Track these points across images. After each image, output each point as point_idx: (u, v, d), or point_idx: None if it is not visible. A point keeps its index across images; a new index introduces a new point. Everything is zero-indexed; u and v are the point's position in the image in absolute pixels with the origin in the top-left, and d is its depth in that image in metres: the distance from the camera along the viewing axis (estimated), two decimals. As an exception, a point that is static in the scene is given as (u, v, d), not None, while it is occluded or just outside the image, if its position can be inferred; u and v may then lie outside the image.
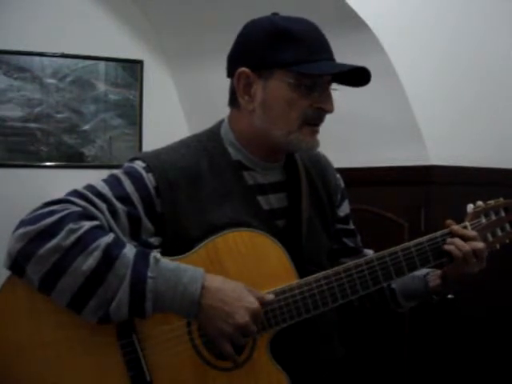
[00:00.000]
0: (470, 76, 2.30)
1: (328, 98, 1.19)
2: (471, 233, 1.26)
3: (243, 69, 1.18)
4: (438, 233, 1.26)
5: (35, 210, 1.10)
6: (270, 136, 1.20)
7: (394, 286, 1.37)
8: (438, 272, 1.32)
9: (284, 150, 1.25)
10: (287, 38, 1.15)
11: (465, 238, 1.25)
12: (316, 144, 1.23)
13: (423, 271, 1.33)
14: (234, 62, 1.21)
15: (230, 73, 1.23)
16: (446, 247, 1.24)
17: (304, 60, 1.15)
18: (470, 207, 1.32)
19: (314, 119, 1.19)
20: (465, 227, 1.28)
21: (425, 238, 1.25)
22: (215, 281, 1.10)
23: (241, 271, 1.15)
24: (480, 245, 1.24)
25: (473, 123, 2.32)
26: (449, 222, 1.28)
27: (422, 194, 2.18)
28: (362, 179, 2.30)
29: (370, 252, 1.43)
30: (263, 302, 1.12)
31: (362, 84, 1.21)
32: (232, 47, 1.24)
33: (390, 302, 1.39)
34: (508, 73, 2.41)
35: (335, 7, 2.15)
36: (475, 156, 2.28)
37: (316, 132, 1.21)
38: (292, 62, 1.15)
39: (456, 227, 1.26)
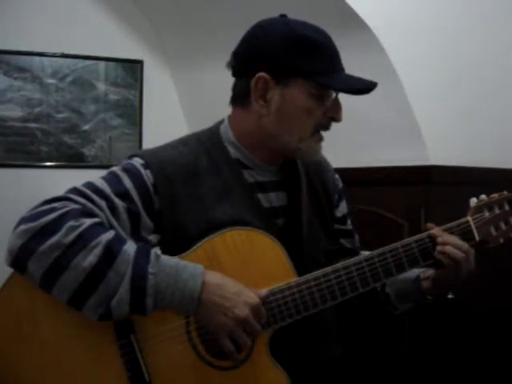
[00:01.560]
0: (470, 76, 2.30)
1: (339, 107, 1.22)
2: (448, 236, 1.23)
3: (263, 74, 1.17)
4: (424, 234, 1.24)
5: (35, 208, 1.10)
6: (279, 141, 1.21)
7: (387, 290, 1.36)
8: (430, 273, 1.30)
9: (289, 155, 1.26)
10: (309, 47, 1.16)
11: (446, 241, 1.21)
12: (320, 150, 1.26)
13: (416, 272, 1.32)
14: (251, 65, 1.19)
15: (242, 73, 1.21)
16: (438, 256, 1.22)
17: (325, 71, 1.17)
18: (473, 201, 1.29)
19: (324, 127, 1.22)
20: (465, 223, 1.26)
21: (412, 239, 1.23)
22: (215, 277, 1.10)
23: (239, 270, 1.15)
24: (461, 244, 1.21)
25: (473, 123, 2.32)
26: (429, 225, 1.25)
27: (422, 194, 2.18)
28: (362, 179, 2.30)
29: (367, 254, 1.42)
30: (261, 299, 1.12)
31: (362, 93, 1.21)
32: (245, 47, 1.21)
33: (386, 305, 1.38)
34: (508, 73, 2.41)
35: (335, 7, 2.15)
36: (475, 156, 2.28)
37: (322, 139, 1.24)
38: (314, 73, 1.16)
39: (435, 231, 1.23)
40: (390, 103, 2.21)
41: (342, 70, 1.21)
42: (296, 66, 1.16)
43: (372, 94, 2.26)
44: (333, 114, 1.21)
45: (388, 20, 2.18)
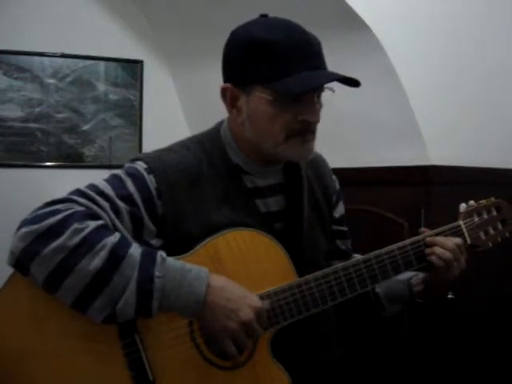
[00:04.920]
0: (470, 76, 2.31)
1: (312, 109, 1.16)
2: (438, 238, 1.25)
3: (226, 85, 1.18)
4: (420, 236, 1.26)
5: (38, 209, 1.10)
6: (260, 147, 1.20)
7: (377, 289, 1.36)
8: (422, 276, 1.32)
9: (276, 159, 1.24)
10: (264, 52, 1.12)
11: (436, 242, 1.24)
12: (307, 153, 1.21)
13: (407, 275, 1.33)
14: (222, 75, 1.22)
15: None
16: (428, 258, 1.24)
17: (279, 75, 1.11)
18: (463, 206, 1.33)
19: (300, 131, 1.16)
20: (456, 227, 1.29)
21: (408, 242, 1.25)
22: (220, 280, 1.11)
23: (241, 270, 1.16)
24: (449, 244, 1.23)
25: (472, 123, 2.32)
26: (423, 229, 1.27)
27: (422, 194, 2.18)
28: (362, 179, 2.30)
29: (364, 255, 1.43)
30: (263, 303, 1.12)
31: (354, 85, 1.17)
32: (222, 56, 1.22)
33: (375, 305, 1.38)
34: (508, 73, 2.41)
35: (335, 7, 2.15)
36: (475, 156, 2.28)
37: (306, 142, 1.18)
38: (268, 79, 1.12)
39: (430, 239, 1.25)
40: (390, 103, 2.21)
41: (311, 67, 1.13)
42: (252, 73, 1.14)
43: (372, 93, 2.27)
44: (304, 117, 1.15)
45: (388, 20, 2.18)
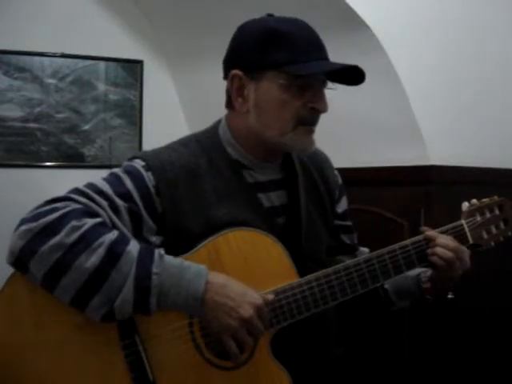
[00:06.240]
0: (471, 76, 2.31)
1: (321, 97, 1.19)
2: (439, 238, 1.25)
3: (235, 71, 1.19)
4: (421, 236, 1.26)
5: (37, 208, 1.10)
6: (264, 137, 1.21)
7: (386, 286, 1.37)
8: (429, 273, 1.32)
9: (279, 150, 1.25)
10: (277, 39, 1.15)
11: (437, 243, 1.23)
12: (311, 144, 1.23)
13: (416, 271, 1.33)
14: (228, 65, 1.23)
15: (225, 75, 1.24)
16: (429, 258, 1.24)
17: (294, 60, 1.15)
18: (465, 205, 1.33)
19: (308, 119, 1.20)
20: (458, 226, 1.28)
21: (409, 241, 1.25)
22: (219, 277, 1.11)
23: (242, 270, 1.16)
24: (451, 244, 1.23)
25: (473, 123, 2.32)
26: (424, 228, 1.27)
27: (422, 194, 2.18)
28: (362, 179, 2.30)
29: (365, 250, 1.43)
30: (265, 301, 1.12)
31: (357, 83, 1.21)
32: (227, 50, 1.24)
33: (384, 300, 1.39)
34: (508, 73, 2.41)
35: (335, 7, 2.15)
36: (475, 156, 2.28)
37: (311, 132, 1.22)
38: (282, 63, 1.15)
39: (430, 233, 1.25)
40: (390, 103, 2.21)
41: (321, 58, 1.18)
42: (266, 59, 1.16)
43: (372, 93, 2.27)
44: (313, 104, 1.18)
45: (388, 20, 2.18)
